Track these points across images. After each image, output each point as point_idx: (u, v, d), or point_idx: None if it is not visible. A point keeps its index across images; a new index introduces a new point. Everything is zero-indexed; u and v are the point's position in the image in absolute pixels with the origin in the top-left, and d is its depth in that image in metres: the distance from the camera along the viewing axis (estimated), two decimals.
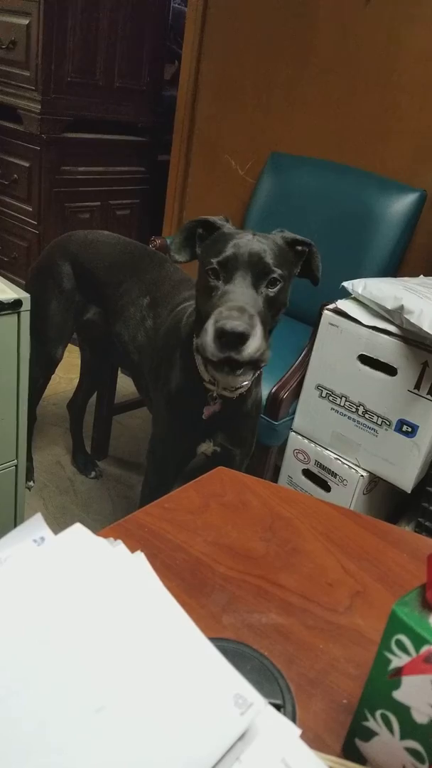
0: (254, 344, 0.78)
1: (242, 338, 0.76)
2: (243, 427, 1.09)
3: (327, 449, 1.36)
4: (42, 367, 1.44)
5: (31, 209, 2.32)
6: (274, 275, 0.84)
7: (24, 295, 0.97)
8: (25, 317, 0.98)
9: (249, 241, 0.85)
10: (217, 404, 1.00)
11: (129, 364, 1.32)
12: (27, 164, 2.26)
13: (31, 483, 1.67)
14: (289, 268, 0.89)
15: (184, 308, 1.12)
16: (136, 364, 1.27)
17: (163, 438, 1.13)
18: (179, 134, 2.12)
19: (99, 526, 0.40)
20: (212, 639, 0.35)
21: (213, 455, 1.10)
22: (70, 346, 1.50)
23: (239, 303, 0.79)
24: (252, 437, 1.14)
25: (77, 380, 1.77)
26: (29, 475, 1.67)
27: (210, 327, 0.78)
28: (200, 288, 0.89)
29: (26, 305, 0.97)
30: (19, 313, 0.97)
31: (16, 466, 1.11)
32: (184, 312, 1.10)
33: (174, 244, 0.94)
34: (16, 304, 0.96)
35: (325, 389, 1.32)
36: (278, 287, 0.85)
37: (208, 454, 1.10)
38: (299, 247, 0.94)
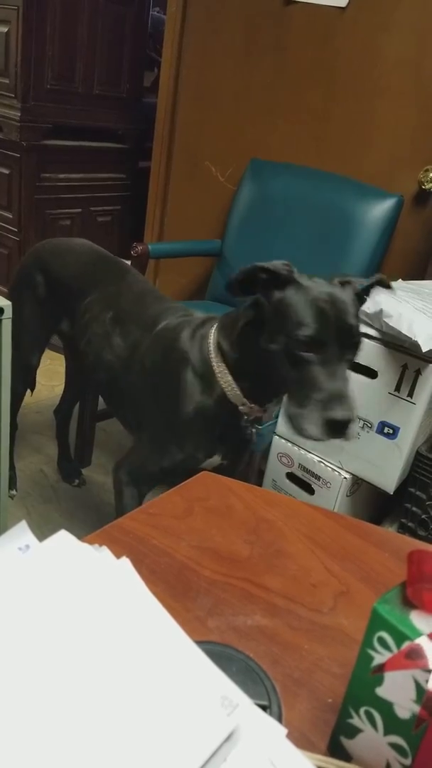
0: (356, 423, 0.79)
1: (349, 424, 0.78)
2: (244, 435, 1.06)
3: (310, 452, 1.37)
4: (18, 373, 1.43)
5: (11, 216, 2.31)
6: (359, 341, 0.82)
7: (5, 303, 0.96)
8: (7, 325, 0.98)
9: (336, 308, 0.80)
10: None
11: (95, 384, 1.27)
12: (7, 171, 2.25)
13: (13, 492, 1.66)
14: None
15: (167, 326, 1.08)
16: (105, 384, 1.23)
17: (175, 459, 1.07)
18: (159, 141, 2.13)
19: (83, 534, 0.40)
20: (198, 642, 0.35)
21: (218, 467, 1.07)
22: (53, 354, 1.49)
23: (341, 389, 0.78)
24: (251, 443, 1.13)
25: (60, 387, 1.76)
26: (12, 483, 1.66)
27: (315, 415, 0.78)
28: (275, 351, 0.83)
29: (8, 313, 0.97)
30: (0, 321, 0.97)
31: None
32: (176, 331, 1.04)
33: (232, 286, 0.86)
34: None
35: None
36: (359, 348, 0.83)
37: (210, 469, 1.08)
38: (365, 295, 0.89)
